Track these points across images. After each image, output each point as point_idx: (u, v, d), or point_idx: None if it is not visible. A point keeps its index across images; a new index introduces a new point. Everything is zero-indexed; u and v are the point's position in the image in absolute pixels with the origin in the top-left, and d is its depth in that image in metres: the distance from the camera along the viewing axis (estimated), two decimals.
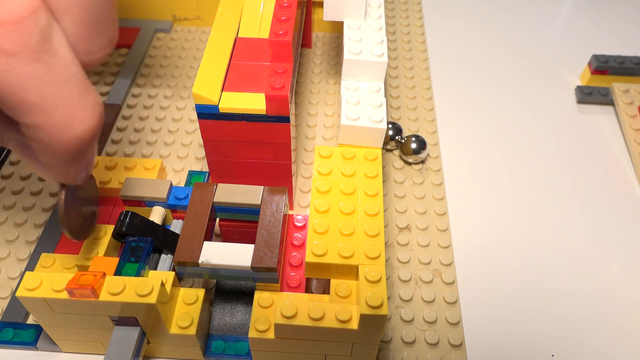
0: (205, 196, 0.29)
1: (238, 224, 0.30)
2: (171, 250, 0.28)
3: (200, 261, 0.26)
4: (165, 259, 0.28)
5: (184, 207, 0.30)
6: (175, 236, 0.29)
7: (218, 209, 0.29)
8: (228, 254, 0.26)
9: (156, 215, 0.30)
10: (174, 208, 0.30)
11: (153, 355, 0.28)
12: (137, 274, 0.26)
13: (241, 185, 0.29)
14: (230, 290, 0.30)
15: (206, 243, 0.27)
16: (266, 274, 0.26)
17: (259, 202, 0.28)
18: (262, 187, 0.29)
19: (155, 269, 0.28)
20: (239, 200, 0.28)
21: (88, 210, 0.27)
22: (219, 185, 0.29)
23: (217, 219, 0.30)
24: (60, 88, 0.18)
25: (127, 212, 0.28)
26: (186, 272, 0.27)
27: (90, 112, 0.19)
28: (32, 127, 0.19)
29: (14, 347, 0.28)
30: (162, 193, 0.30)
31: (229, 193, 0.29)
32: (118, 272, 0.26)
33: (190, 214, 0.28)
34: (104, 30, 0.20)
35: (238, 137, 0.30)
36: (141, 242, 0.27)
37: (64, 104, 0.18)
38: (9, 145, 0.22)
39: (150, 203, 0.30)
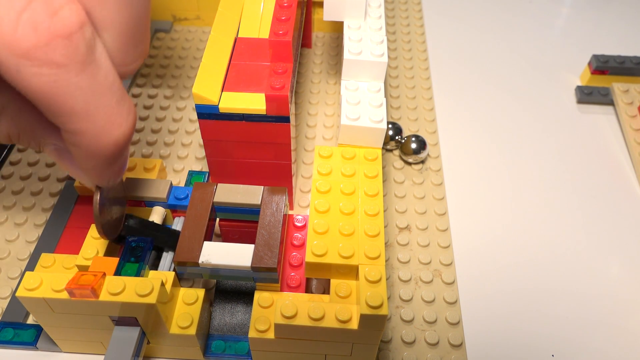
0: (205, 196, 0.29)
1: (238, 224, 0.30)
2: (172, 248, 0.28)
3: (200, 261, 0.26)
4: (166, 257, 0.28)
5: (184, 207, 0.30)
6: (174, 233, 0.29)
7: (218, 209, 0.29)
8: (228, 254, 0.26)
9: (156, 215, 0.30)
10: (174, 208, 0.30)
11: (153, 355, 0.28)
12: (137, 273, 0.26)
13: (241, 185, 0.29)
14: (230, 290, 0.30)
15: (206, 243, 0.27)
16: (266, 274, 0.26)
17: (259, 202, 0.28)
18: (262, 187, 0.29)
19: (156, 267, 0.28)
20: (239, 200, 0.28)
21: (118, 210, 0.28)
22: (219, 185, 0.29)
23: (217, 219, 0.30)
24: (101, 96, 0.19)
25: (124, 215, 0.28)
26: (186, 272, 0.27)
27: (125, 117, 0.20)
28: (74, 133, 0.20)
29: (14, 347, 0.28)
30: (162, 193, 0.30)
31: (229, 193, 0.29)
32: (118, 272, 0.26)
33: (190, 214, 0.28)
34: (138, 43, 0.21)
35: (238, 137, 0.30)
36: (141, 242, 0.27)
37: (104, 111, 0.20)
38: (46, 150, 0.24)
39: (150, 203, 0.30)
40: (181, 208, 0.30)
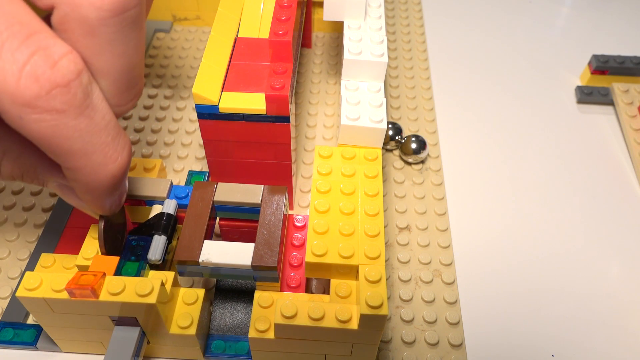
0: (206, 195, 0.29)
1: (238, 223, 0.30)
2: (164, 231, 0.28)
3: (200, 260, 0.26)
4: (158, 240, 0.28)
5: (184, 206, 0.30)
6: (165, 216, 0.28)
7: (218, 208, 0.29)
8: (228, 253, 0.26)
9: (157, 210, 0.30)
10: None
11: (153, 355, 0.28)
12: (138, 272, 0.26)
13: (241, 185, 0.29)
14: (230, 290, 0.30)
15: (206, 242, 0.27)
16: (266, 273, 0.26)
17: (259, 201, 0.28)
18: (262, 186, 0.29)
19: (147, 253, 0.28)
20: (239, 199, 0.28)
21: (119, 234, 0.28)
22: (219, 184, 0.29)
23: (217, 219, 0.30)
24: (98, 136, 0.21)
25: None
26: (186, 271, 0.27)
27: (120, 152, 0.22)
28: (73, 170, 0.21)
29: (14, 347, 0.29)
30: (162, 192, 0.30)
31: (229, 192, 0.29)
32: (118, 271, 0.26)
33: (191, 213, 0.28)
34: (133, 86, 0.22)
35: (238, 137, 0.30)
36: (141, 241, 0.27)
37: (101, 149, 0.21)
38: (50, 186, 0.25)
39: (151, 202, 0.30)
40: (181, 207, 0.30)
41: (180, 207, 0.30)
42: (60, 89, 0.19)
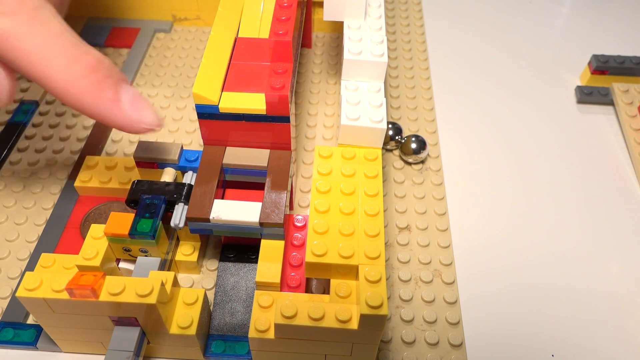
0: (215, 158, 0.30)
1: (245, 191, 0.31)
2: (183, 199, 0.29)
3: (211, 217, 0.27)
4: (178, 209, 0.29)
5: (194, 169, 0.31)
6: (183, 186, 0.30)
7: (227, 171, 0.30)
8: (237, 211, 0.28)
9: (167, 176, 0.31)
10: (185, 169, 0.31)
11: (153, 355, 0.28)
12: (152, 228, 0.27)
13: (249, 149, 0.30)
14: (230, 290, 0.30)
15: (216, 201, 0.28)
16: (273, 230, 0.28)
17: (266, 164, 0.30)
18: (269, 150, 0.30)
19: (169, 222, 0.29)
20: (247, 162, 0.30)
21: None
22: (228, 148, 0.30)
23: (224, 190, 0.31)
24: (55, 39, 0.23)
25: (134, 181, 0.30)
26: (198, 227, 0.28)
27: (85, 53, 0.24)
28: (40, 78, 0.23)
29: (14, 347, 0.29)
30: (173, 155, 0.31)
31: (237, 155, 0.30)
32: (134, 228, 0.27)
33: (201, 174, 0.29)
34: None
35: (238, 137, 0.30)
36: (155, 200, 0.29)
37: (62, 52, 0.23)
38: None
39: (162, 165, 0.31)
40: (191, 170, 0.31)
41: (191, 169, 0.31)
42: None
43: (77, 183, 0.33)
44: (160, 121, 0.26)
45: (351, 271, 0.26)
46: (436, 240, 0.34)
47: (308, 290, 0.29)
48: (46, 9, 0.23)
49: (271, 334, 0.25)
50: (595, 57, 0.43)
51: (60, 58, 0.23)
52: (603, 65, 0.43)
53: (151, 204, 0.29)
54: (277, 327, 0.24)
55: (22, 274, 0.31)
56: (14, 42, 0.22)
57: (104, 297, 0.24)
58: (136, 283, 0.24)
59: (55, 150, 0.38)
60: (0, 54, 0.22)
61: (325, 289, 0.31)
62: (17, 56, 0.22)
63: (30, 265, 0.31)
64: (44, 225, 0.33)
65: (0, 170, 0.37)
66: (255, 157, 0.30)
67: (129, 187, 0.32)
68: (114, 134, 0.39)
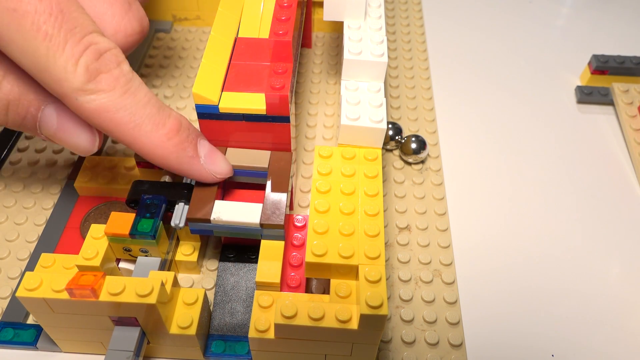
0: None
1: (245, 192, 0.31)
2: (183, 199, 0.29)
3: (211, 218, 0.27)
4: (179, 209, 0.29)
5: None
6: (185, 186, 0.30)
7: None
8: (238, 212, 0.28)
9: (167, 176, 0.31)
10: None
11: (153, 355, 0.28)
12: (153, 228, 0.27)
13: (249, 150, 0.30)
14: (230, 290, 0.30)
15: (217, 202, 0.28)
16: (273, 231, 0.28)
17: (267, 165, 0.30)
18: (269, 151, 0.30)
19: (169, 222, 0.29)
20: (248, 163, 0.30)
21: None
22: (229, 149, 0.30)
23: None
24: (143, 108, 0.26)
25: (135, 181, 0.30)
26: (198, 228, 0.28)
27: (167, 117, 0.27)
28: (132, 143, 0.26)
29: (14, 347, 0.29)
30: None
31: (238, 156, 0.30)
32: (135, 228, 0.27)
33: None
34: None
35: (238, 137, 0.30)
36: (155, 200, 0.29)
37: (149, 119, 0.26)
38: (46, 114, 0.27)
39: None
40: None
41: None
42: (104, 75, 0.24)
43: (77, 183, 0.33)
44: (232, 169, 0.29)
45: (351, 271, 0.26)
46: (436, 240, 0.34)
47: (308, 290, 0.29)
48: (135, 80, 0.26)
49: (271, 334, 0.25)
50: (595, 57, 0.43)
51: (148, 124, 0.25)
52: (603, 65, 0.43)
53: (152, 203, 0.29)
54: (277, 327, 0.24)
55: (22, 274, 0.31)
56: (110, 115, 0.25)
57: (104, 297, 0.24)
58: (136, 283, 0.24)
59: (55, 150, 0.38)
60: (97, 123, 0.25)
61: (325, 289, 0.31)
62: (111, 125, 0.25)
63: (30, 265, 0.31)
64: (44, 225, 0.33)
65: (0, 170, 0.37)
66: (256, 158, 0.30)
67: (129, 187, 0.32)
68: None
